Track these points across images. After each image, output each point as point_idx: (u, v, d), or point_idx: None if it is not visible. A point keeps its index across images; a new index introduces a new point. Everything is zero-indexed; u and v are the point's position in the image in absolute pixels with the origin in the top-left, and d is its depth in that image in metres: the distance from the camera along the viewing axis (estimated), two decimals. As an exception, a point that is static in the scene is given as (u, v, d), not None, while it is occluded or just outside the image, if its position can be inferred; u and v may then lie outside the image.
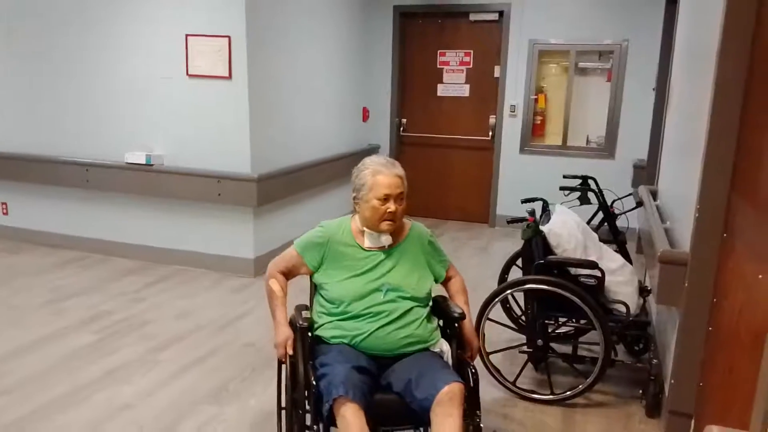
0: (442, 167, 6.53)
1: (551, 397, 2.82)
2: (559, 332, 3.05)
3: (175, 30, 4.31)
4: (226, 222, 4.56)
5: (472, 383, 2.01)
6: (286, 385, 2.04)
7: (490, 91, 6.22)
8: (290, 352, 2.03)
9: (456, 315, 2.10)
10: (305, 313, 2.11)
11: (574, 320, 2.94)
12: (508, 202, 6.18)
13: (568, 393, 2.79)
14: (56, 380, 2.98)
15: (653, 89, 5.43)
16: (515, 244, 4.08)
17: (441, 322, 2.24)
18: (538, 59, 6.00)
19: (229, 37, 4.20)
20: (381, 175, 2.11)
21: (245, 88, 4.27)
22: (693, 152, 2.55)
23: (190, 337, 3.53)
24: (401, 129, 6.60)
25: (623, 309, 2.80)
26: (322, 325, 2.12)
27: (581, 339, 3.04)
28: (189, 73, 4.36)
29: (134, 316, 3.79)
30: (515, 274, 3.26)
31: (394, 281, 2.10)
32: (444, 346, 2.11)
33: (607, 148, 5.92)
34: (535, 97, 6.09)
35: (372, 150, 6.47)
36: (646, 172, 5.24)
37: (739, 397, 1.95)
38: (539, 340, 2.88)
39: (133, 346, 3.38)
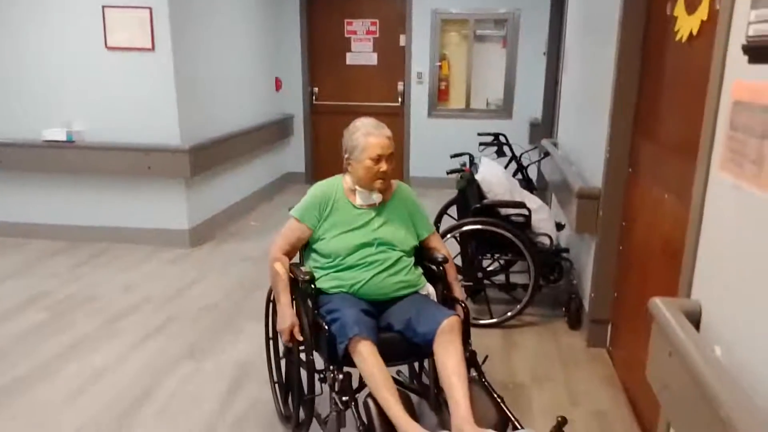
0: (355, 133, 6.80)
1: (492, 320, 3.28)
2: (491, 269, 3.51)
3: (91, 1, 4.20)
4: (156, 195, 4.57)
5: (463, 317, 2.18)
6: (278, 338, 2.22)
7: (397, 59, 6.56)
8: (299, 338, 2.11)
9: (440, 259, 2.31)
10: (303, 269, 2.25)
11: (506, 255, 3.38)
12: (419, 164, 6.61)
13: (508, 314, 3.26)
14: (18, 358, 2.98)
15: (544, 53, 6.03)
16: (431, 200, 4.51)
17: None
18: (440, 28, 6.40)
19: (150, 8, 4.17)
20: (372, 136, 2.20)
21: (170, 59, 4.27)
22: (600, 106, 3.04)
23: (144, 307, 3.60)
24: (314, 98, 6.78)
25: (547, 241, 3.30)
26: (320, 278, 2.23)
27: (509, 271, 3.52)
28: (108, 45, 4.28)
29: (77, 293, 3.77)
30: (447, 222, 3.64)
31: (384, 236, 2.25)
32: (429, 289, 2.30)
33: (506, 108, 6.50)
34: (439, 64, 6.51)
35: (286, 119, 6.62)
36: (542, 129, 5.85)
37: (647, 300, 2.47)
38: (479, 274, 3.31)
39: (87, 320, 3.40)
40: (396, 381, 2.29)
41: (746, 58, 1.35)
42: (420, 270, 2.35)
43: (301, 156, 6.94)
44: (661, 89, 2.43)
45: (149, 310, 3.55)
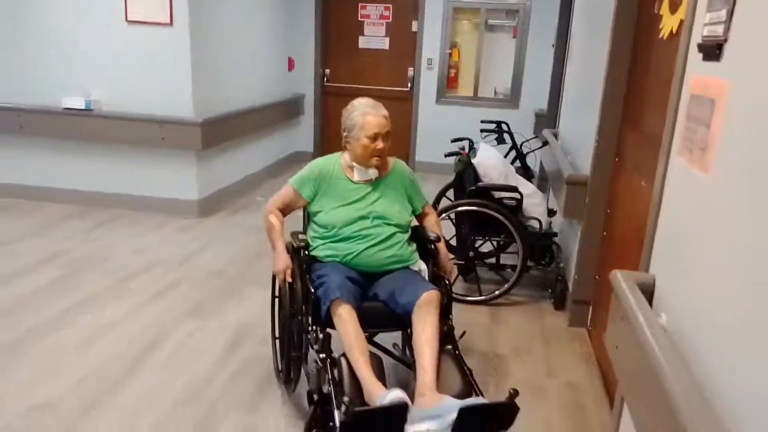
0: (364, 116, 6.96)
1: (481, 298, 3.46)
2: (483, 251, 3.68)
3: (114, -25, 4.38)
4: (168, 165, 4.76)
5: (446, 293, 2.35)
6: (282, 302, 2.38)
7: (408, 45, 6.69)
8: (289, 279, 2.29)
9: (432, 238, 2.48)
10: (302, 236, 2.45)
11: (497, 236, 3.54)
12: (425, 149, 6.76)
13: (496, 292, 3.44)
14: (33, 310, 3.19)
15: (552, 45, 6.13)
16: (435, 184, 4.67)
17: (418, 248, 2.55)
18: (452, 16, 6.52)
19: (170, -16, 4.33)
20: (370, 116, 2.34)
21: (187, 34, 4.44)
22: (592, 98, 3.18)
23: (154, 269, 3.80)
24: (325, 79, 6.93)
25: (537, 225, 3.46)
26: (317, 246, 2.40)
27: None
28: (128, 19, 4.45)
29: (91, 254, 3.98)
30: (444, 204, 3.81)
31: (380, 210, 2.39)
32: (422, 266, 2.45)
33: (513, 98, 6.62)
34: (450, 51, 6.64)
35: (298, 99, 6.78)
36: (546, 119, 5.97)
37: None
38: (471, 253, 3.48)
39: (99, 279, 3.61)
40: (388, 352, 2.50)
41: (701, 55, 1.51)
42: (413, 246, 2.48)
43: (310, 135, 7.11)
44: (646, 83, 2.57)
45: (158, 273, 3.75)
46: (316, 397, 2.01)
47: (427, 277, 2.42)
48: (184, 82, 4.53)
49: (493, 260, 3.64)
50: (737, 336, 1.18)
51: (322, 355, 2.07)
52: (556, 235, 3.61)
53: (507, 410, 1.87)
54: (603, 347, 2.89)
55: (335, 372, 2.03)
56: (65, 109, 4.61)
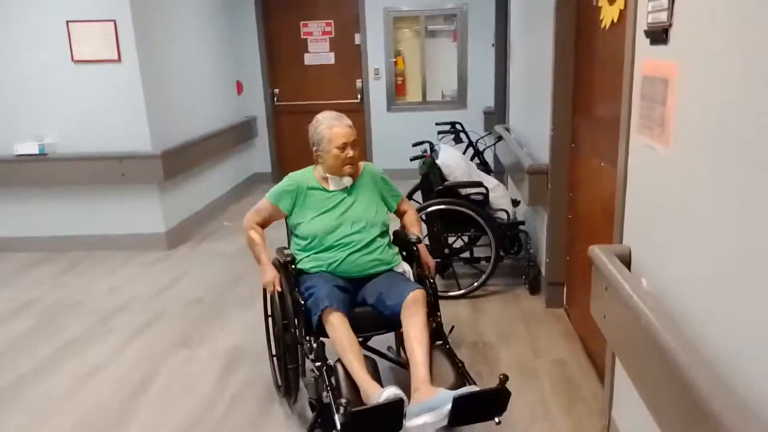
0: (317, 131, 7.03)
1: (460, 292, 3.58)
2: (457, 246, 3.81)
3: (55, 17, 4.33)
4: (131, 201, 4.71)
5: (431, 291, 2.43)
6: (275, 316, 2.43)
7: (353, 57, 6.81)
8: (278, 289, 2.36)
9: (413, 240, 2.57)
10: (286, 251, 2.50)
11: (469, 231, 3.68)
12: (382, 156, 6.88)
13: (474, 284, 3.57)
14: (15, 359, 3.13)
15: (492, 45, 6.38)
16: (398, 188, 4.78)
17: (403, 252, 2.66)
18: (393, 25, 6.69)
19: (114, 21, 4.32)
20: (336, 127, 2.45)
21: (137, 68, 4.43)
22: (543, 90, 3.36)
23: (131, 306, 3.77)
24: (275, 99, 6.98)
25: (504, 216, 3.61)
26: (302, 259, 2.47)
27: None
28: (74, 59, 4.41)
29: (64, 298, 3.91)
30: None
31: (357, 214, 2.48)
32: (405, 267, 2.54)
33: (460, 99, 6.83)
34: (395, 60, 6.80)
35: (250, 121, 6.80)
36: (495, 116, 6.19)
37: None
38: (446, 250, 3.60)
39: (77, 322, 3.55)
40: (383, 355, 2.58)
41: (648, 40, 1.66)
42: (395, 249, 2.57)
43: (266, 156, 7.13)
44: (592, 72, 2.75)
45: (137, 309, 3.72)
46: (316, 405, 2.07)
47: (412, 278, 2.51)
48: (139, 117, 4.51)
49: (467, 255, 3.77)
50: (712, 287, 1.32)
51: (318, 364, 2.12)
52: (523, 223, 3.77)
53: (499, 395, 1.95)
54: (582, 323, 3.05)
55: (332, 378, 2.09)
56: (18, 156, 4.51)
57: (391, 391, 1.94)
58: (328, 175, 2.52)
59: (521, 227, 3.75)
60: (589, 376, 2.74)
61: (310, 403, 2.18)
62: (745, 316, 1.19)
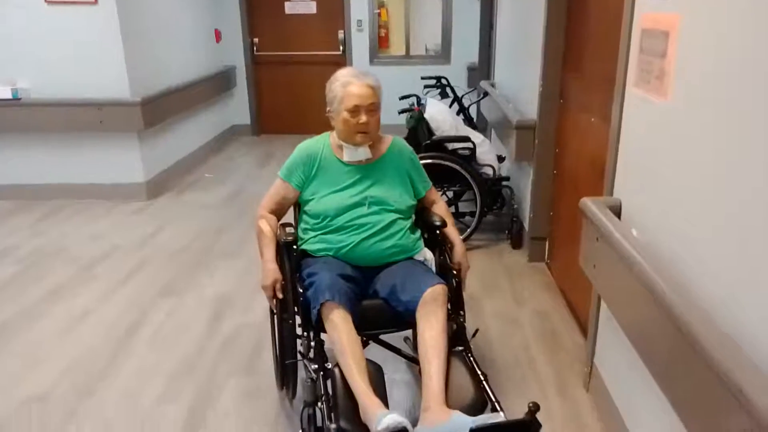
0: (298, 83, 6.92)
1: (445, 245, 3.64)
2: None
3: (27, -47, 4.13)
4: (110, 149, 4.62)
5: (455, 285, 2.10)
6: (277, 316, 2.11)
7: (336, 7, 6.66)
8: (279, 295, 2.01)
9: (437, 224, 2.18)
10: (289, 230, 2.15)
11: (455, 186, 3.72)
12: (363, 111, 6.82)
13: (459, 238, 3.62)
14: (2, 304, 3.11)
15: (478, -1, 6.29)
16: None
17: (426, 234, 2.27)
18: (376, -25, 6.54)
19: (91, -41, 4.14)
20: (352, 85, 2.06)
21: (114, 11, 4.28)
22: (532, 46, 3.36)
23: (114, 254, 3.74)
24: (254, 49, 6.82)
25: (490, 171, 3.66)
26: (308, 239, 2.14)
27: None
28: (48, 0, 4.23)
29: (45, 246, 3.87)
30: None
31: (377, 195, 2.12)
32: (427, 255, 2.16)
33: (444, 54, 6.77)
34: (378, 11, 6.67)
35: (229, 70, 6.65)
36: (479, 72, 6.17)
37: (579, 215, 2.87)
38: (432, 204, 3.64)
39: (62, 269, 3.52)
40: (397, 351, 2.23)
41: (650, -6, 1.68)
42: (417, 233, 2.21)
43: (246, 108, 7.02)
44: (585, 28, 2.76)
45: (120, 257, 3.70)
46: (309, 411, 1.83)
47: (434, 268, 2.16)
48: (117, 62, 4.38)
49: (452, 209, 3.81)
50: (708, 237, 1.39)
51: (315, 366, 1.89)
52: (508, 179, 3.83)
53: (527, 429, 1.57)
54: (564, 277, 3.15)
55: (328, 385, 1.82)
56: (-10, 99, 4.36)
57: (392, 419, 1.58)
58: (342, 142, 2.16)
59: (505, 183, 3.80)
60: (571, 328, 2.85)
61: (305, 406, 1.88)
62: (741, 264, 1.26)
